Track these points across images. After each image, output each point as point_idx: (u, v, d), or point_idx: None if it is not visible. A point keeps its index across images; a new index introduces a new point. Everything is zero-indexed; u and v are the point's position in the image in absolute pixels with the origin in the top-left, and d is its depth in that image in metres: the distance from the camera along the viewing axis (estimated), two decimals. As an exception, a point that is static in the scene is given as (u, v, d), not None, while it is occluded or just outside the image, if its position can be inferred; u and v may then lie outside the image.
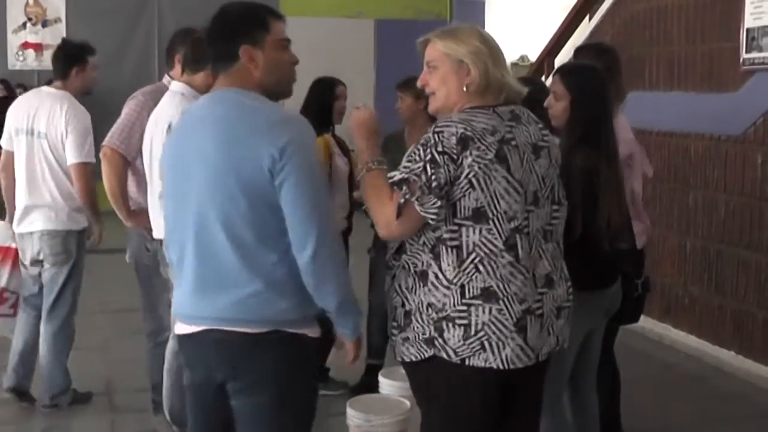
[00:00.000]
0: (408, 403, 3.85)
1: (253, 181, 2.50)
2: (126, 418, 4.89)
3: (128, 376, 5.44)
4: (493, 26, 12.31)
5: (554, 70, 3.64)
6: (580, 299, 2.95)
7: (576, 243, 3.04)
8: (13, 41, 12.09)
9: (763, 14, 5.50)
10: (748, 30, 5.61)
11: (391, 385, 3.90)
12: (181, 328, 2.73)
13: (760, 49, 5.52)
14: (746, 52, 5.63)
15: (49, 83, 4.96)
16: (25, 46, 12.14)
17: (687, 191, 6.12)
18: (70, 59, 4.81)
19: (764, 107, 5.44)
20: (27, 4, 12.11)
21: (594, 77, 3.49)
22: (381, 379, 4.00)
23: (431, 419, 2.78)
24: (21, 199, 4.78)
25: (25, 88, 11.43)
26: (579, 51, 4.57)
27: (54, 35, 12.18)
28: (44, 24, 12.21)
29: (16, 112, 4.83)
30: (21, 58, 12.11)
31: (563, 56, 7.69)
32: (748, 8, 5.60)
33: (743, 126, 5.60)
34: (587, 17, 7.88)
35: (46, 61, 12.18)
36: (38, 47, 12.19)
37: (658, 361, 5.30)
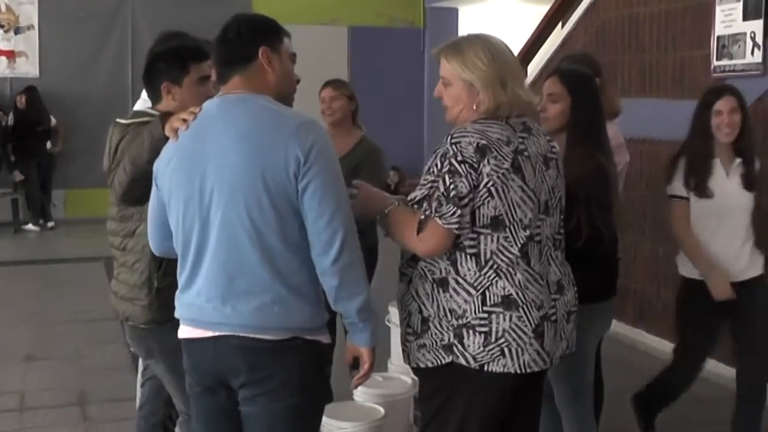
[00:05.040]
0: (382, 410, 3.85)
1: (279, 186, 2.49)
2: (99, 428, 4.84)
3: (101, 386, 5.41)
4: (465, 33, 12.33)
5: (551, 72, 3.58)
6: (598, 308, 3.11)
7: (598, 250, 3.16)
8: (-15, 48, 12.02)
9: (734, 22, 5.55)
10: (718, 38, 5.68)
11: (365, 392, 3.89)
12: (190, 332, 2.64)
13: (731, 57, 5.58)
14: (717, 59, 5.69)
15: None
16: (-3, 53, 12.06)
17: (659, 197, 6.14)
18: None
19: (735, 114, 5.47)
20: (-1, 11, 12.03)
21: (591, 80, 3.54)
22: (355, 386, 3.99)
23: (442, 425, 2.76)
24: None
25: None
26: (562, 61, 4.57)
27: (27, 42, 12.10)
28: (17, 31, 12.11)
29: None
30: (-7, 66, 12.03)
31: (536, 63, 7.73)
32: (719, 16, 5.66)
33: (714, 132, 5.63)
34: (560, 24, 7.93)
35: (19, 69, 12.11)
36: (10, 54, 12.10)
37: (632, 366, 5.31)
